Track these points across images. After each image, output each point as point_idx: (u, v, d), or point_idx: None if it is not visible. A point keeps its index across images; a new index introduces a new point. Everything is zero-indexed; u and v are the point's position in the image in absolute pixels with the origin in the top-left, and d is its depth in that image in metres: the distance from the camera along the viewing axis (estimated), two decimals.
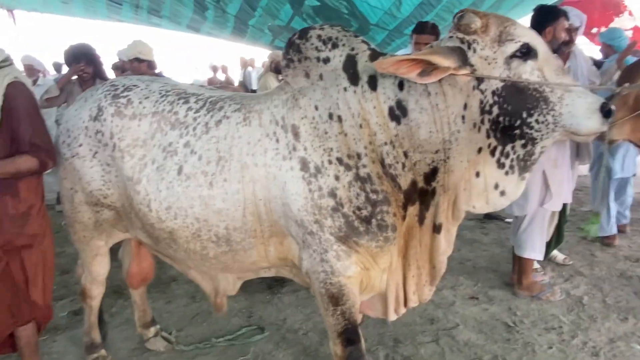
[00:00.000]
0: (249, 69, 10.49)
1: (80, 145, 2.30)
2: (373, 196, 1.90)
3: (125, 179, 2.20)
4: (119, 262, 2.86)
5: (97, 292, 2.66)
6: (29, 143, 2.18)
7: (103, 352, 2.74)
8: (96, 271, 2.58)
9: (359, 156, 1.90)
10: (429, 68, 1.73)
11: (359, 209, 1.90)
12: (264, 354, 2.85)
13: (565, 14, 3.23)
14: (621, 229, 4.65)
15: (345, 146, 1.91)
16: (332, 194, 1.89)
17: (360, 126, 1.90)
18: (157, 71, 5.29)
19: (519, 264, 3.51)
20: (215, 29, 8.25)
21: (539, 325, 3.10)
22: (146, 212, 2.18)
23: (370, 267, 2.03)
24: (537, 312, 3.26)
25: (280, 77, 6.98)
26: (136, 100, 2.25)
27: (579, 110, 1.75)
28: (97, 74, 4.36)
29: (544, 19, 3.16)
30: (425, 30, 3.73)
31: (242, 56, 10.86)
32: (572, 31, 3.48)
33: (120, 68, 7.40)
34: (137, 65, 4.63)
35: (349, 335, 2.09)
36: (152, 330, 2.93)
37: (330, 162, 1.91)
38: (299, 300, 3.51)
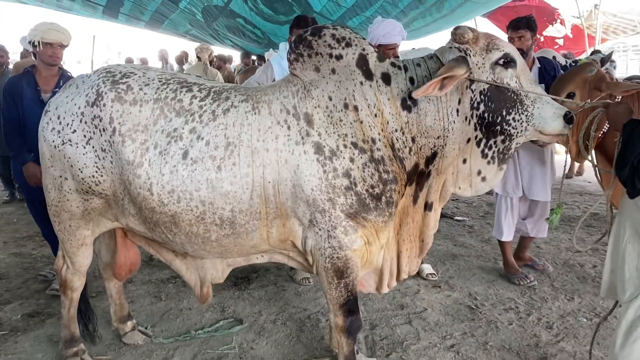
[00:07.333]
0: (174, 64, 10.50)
1: (74, 132, 2.58)
2: (385, 175, 2.41)
3: (125, 163, 2.51)
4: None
5: (78, 283, 2.92)
6: None
7: (82, 346, 3.00)
8: (79, 262, 2.85)
9: (373, 141, 2.41)
10: (445, 81, 2.29)
11: (372, 187, 2.39)
12: (247, 342, 3.25)
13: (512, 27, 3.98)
14: None
15: (360, 132, 2.40)
16: (347, 174, 2.37)
17: (375, 115, 2.42)
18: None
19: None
20: (134, 11, 8.22)
21: (497, 306, 3.77)
22: (147, 196, 2.51)
23: (373, 242, 2.54)
24: (495, 296, 3.94)
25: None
26: (136, 86, 2.57)
27: (547, 113, 2.43)
28: None
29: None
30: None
31: (162, 49, 10.87)
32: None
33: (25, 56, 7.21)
34: (60, 52, 3.80)
35: (350, 306, 2.58)
36: (129, 324, 3.22)
37: (345, 146, 2.39)
38: (269, 294, 3.93)
